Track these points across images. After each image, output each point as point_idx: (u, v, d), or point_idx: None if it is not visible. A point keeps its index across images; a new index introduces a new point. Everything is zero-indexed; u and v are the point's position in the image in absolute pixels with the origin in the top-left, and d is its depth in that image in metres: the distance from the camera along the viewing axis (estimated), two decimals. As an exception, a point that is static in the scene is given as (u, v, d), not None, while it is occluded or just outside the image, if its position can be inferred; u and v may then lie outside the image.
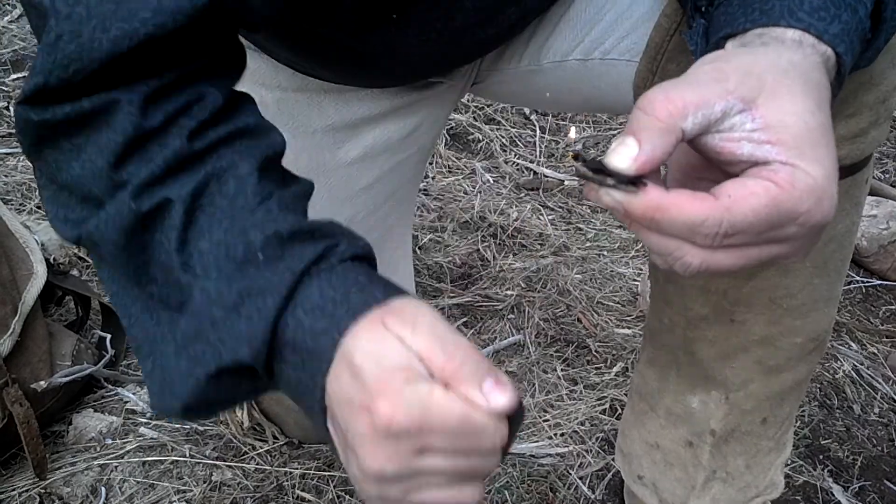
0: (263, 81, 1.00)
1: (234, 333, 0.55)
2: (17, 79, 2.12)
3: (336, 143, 1.04)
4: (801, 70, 0.53)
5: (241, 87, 0.67)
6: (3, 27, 2.31)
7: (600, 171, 0.51)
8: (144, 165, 0.58)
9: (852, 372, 1.51)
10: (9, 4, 2.40)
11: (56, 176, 0.62)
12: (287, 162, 0.66)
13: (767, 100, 0.51)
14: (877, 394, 1.47)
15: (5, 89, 2.07)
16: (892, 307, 1.68)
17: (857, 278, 1.73)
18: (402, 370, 0.50)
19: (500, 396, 0.50)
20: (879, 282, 1.73)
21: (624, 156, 0.50)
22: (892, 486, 1.30)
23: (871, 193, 1.82)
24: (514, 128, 2.15)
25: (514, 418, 0.53)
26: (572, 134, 1.93)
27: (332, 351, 0.53)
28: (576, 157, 0.53)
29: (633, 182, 0.50)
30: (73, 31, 0.56)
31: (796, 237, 0.52)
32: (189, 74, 0.62)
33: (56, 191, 0.63)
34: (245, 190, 0.59)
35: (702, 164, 0.56)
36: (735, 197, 0.49)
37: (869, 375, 1.50)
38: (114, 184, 0.58)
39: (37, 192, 1.73)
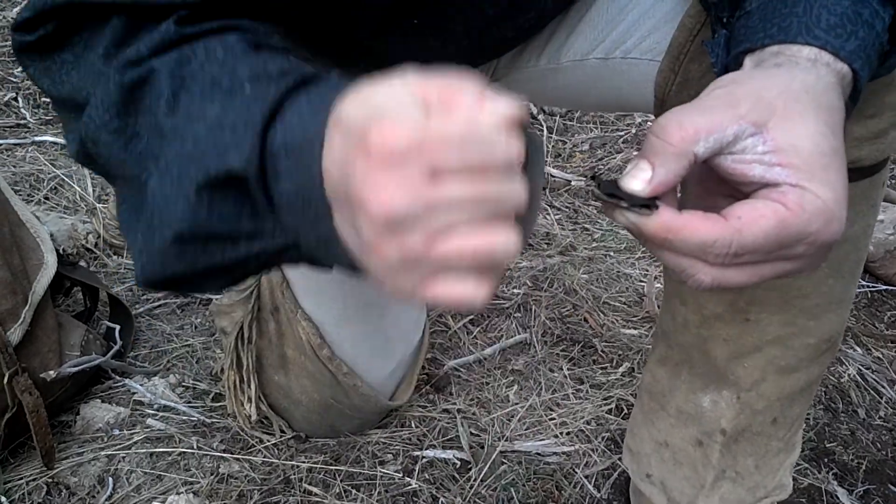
0: None
1: (220, 143, 0.51)
2: (24, 71, 2.12)
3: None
4: (814, 94, 0.54)
5: None
6: (11, 19, 2.31)
7: (615, 195, 0.53)
8: (132, 48, 0.58)
9: (857, 376, 1.51)
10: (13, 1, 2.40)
11: (61, 90, 0.63)
12: None
13: (779, 123, 0.52)
14: (882, 398, 1.48)
15: (14, 80, 2.07)
16: (897, 312, 1.69)
17: (863, 283, 1.73)
18: (392, 102, 0.43)
19: (498, 104, 0.44)
20: (885, 287, 1.73)
21: (638, 179, 0.52)
22: (896, 489, 1.30)
23: (878, 199, 1.82)
24: (521, 127, 2.15)
25: (529, 148, 0.46)
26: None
27: (324, 129, 0.47)
28: (593, 177, 0.54)
29: (647, 204, 0.52)
30: None
31: (805, 255, 0.53)
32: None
33: (65, 111, 0.65)
34: (235, 52, 0.57)
35: (716, 180, 0.57)
36: (745, 219, 0.50)
37: (874, 380, 1.50)
38: (105, 73, 0.58)
39: (45, 183, 1.74)
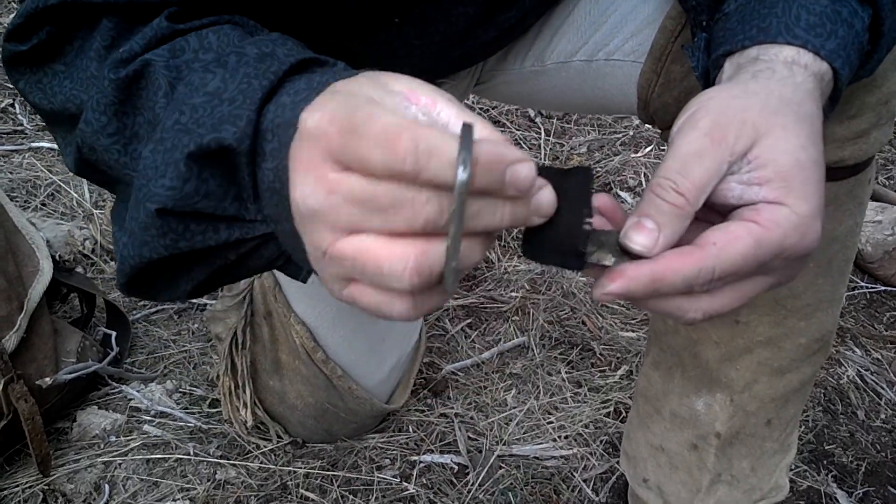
0: None
1: (216, 115, 0.50)
2: (14, 84, 2.13)
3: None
4: (794, 105, 0.54)
5: None
6: (6, 26, 2.31)
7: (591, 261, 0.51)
8: (124, 48, 0.58)
9: (856, 377, 1.50)
10: (13, 3, 2.41)
11: (53, 102, 0.62)
12: None
13: (762, 140, 0.52)
14: (881, 399, 1.47)
15: (11, 87, 2.07)
16: (897, 313, 1.68)
17: (862, 284, 1.73)
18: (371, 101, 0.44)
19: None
20: (884, 288, 1.73)
21: (647, 239, 0.50)
22: (895, 491, 1.30)
23: (877, 199, 1.82)
24: (518, 130, 2.15)
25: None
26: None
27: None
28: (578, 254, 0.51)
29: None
30: None
31: (783, 267, 0.53)
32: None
33: (58, 124, 0.65)
34: (231, 38, 0.57)
35: None
36: (721, 244, 0.50)
37: (873, 381, 1.50)
38: (98, 76, 0.58)
39: (41, 189, 1.74)
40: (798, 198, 0.51)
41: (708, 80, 0.66)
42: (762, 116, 0.53)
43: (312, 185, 0.44)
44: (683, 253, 0.50)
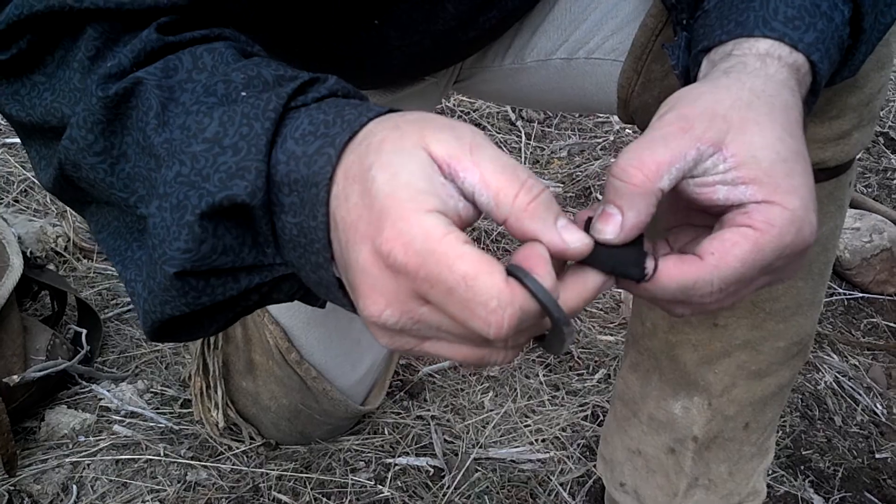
0: None
1: (222, 167, 0.49)
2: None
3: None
4: (766, 97, 0.53)
5: None
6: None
7: (616, 269, 0.50)
8: (112, 61, 0.55)
9: (834, 383, 1.50)
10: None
11: (32, 114, 0.59)
12: None
13: (736, 136, 0.51)
14: (858, 405, 1.47)
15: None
16: (874, 320, 1.68)
17: (840, 290, 1.73)
18: (422, 193, 0.44)
19: (574, 235, 0.46)
20: (861, 294, 1.73)
21: (610, 226, 0.49)
22: (872, 497, 1.30)
23: (855, 206, 1.82)
24: (499, 133, 2.14)
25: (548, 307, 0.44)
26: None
27: (329, 169, 0.47)
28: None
29: (640, 260, 0.50)
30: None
31: (784, 266, 0.52)
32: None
33: (35, 138, 0.62)
34: (225, 58, 0.55)
35: (684, 201, 0.56)
36: (719, 253, 0.49)
37: (850, 387, 1.50)
38: (83, 89, 0.56)
39: (14, 185, 1.71)
40: (786, 193, 0.50)
41: (688, 79, 0.65)
42: (734, 110, 0.52)
43: (397, 315, 0.46)
44: (682, 261, 0.49)
